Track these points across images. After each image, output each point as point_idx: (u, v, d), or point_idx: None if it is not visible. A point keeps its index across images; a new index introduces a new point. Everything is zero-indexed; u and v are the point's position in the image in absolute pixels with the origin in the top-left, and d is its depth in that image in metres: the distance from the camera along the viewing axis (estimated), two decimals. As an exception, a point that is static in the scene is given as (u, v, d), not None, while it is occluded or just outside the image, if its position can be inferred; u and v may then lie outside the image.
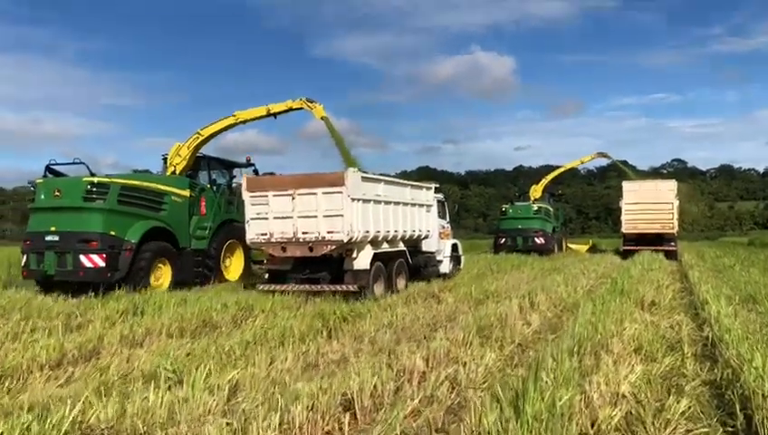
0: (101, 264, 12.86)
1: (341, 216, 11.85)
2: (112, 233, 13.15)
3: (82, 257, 12.89)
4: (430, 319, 9.23)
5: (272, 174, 15.70)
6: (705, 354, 7.12)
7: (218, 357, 6.71)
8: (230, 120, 16.41)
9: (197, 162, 16.64)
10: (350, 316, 9.14)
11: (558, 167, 40.76)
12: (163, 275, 14.27)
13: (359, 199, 12.11)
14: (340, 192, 11.86)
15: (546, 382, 4.89)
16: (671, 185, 28.35)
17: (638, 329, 8.05)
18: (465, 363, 6.52)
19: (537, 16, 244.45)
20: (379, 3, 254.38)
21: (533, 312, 10.11)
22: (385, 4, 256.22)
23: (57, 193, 13.38)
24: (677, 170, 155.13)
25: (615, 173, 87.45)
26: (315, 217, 12.09)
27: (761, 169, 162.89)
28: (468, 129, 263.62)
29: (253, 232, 12.69)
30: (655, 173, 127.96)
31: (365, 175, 12.76)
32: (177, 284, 14.13)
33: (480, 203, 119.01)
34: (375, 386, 5.50)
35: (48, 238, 13.15)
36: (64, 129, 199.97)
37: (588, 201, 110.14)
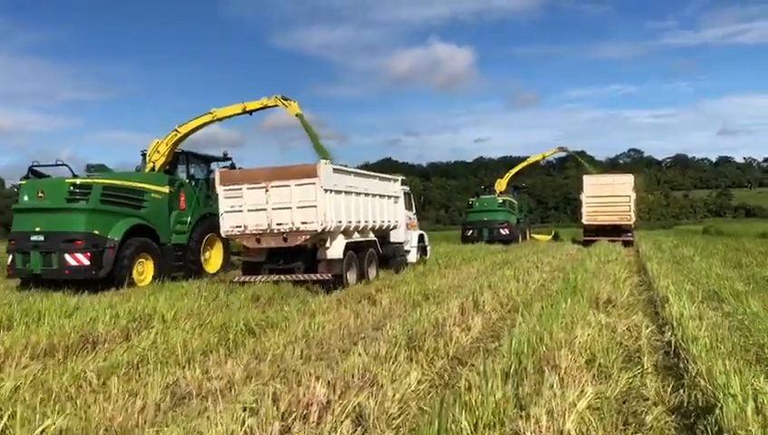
0: (86, 262, 13.23)
1: (315, 206, 12.14)
2: (96, 232, 13.49)
3: (67, 256, 13.25)
4: (356, 327, 7.95)
5: (233, 167, 16.35)
6: (669, 367, 6.03)
7: (65, 390, 5.28)
8: (207, 118, 16.69)
9: (176, 157, 16.90)
10: (261, 326, 7.78)
11: (518, 158, 42.27)
12: (146, 270, 14.61)
13: (331, 190, 12.45)
14: (314, 183, 12.14)
15: (463, 427, 3.64)
16: (628, 179, 29.60)
17: (592, 334, 6.92)
18: (382, 386, 5.28)
19: (496, 9, 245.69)
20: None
21: (477, 314, 8.93)
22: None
23: (41, 194, 13.74)
24: (634, 160, 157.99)
25: (573, 164, 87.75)
26: (289, 208, 12.33)
27: (713, 159, 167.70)
28: (429, 121, 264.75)
29: (227, 224, 12.89)
30: (612, 163, 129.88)
31: (336, 167, 13.04)
32: (160, 277, 14.39)
33: (441, 195, 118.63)
34: (251, 430, 4.20)
35: (33, 238, 13.52)
36: (18, 122, 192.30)
37: (547, 191, 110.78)
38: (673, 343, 6.63)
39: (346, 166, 14.13)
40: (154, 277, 14.47)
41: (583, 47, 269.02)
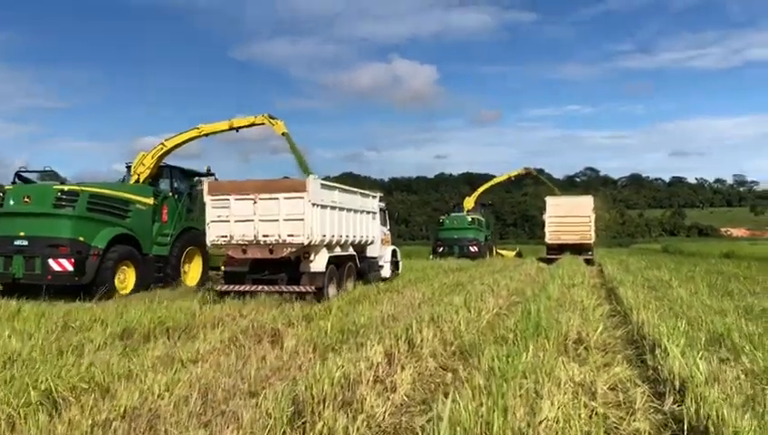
0: (70, 268, 13.25)
1: (302, 220, 12.31)
2: (81, 239, 13.50)
3: (51, 262, 13.25)
4: (225, 391, 5.46)
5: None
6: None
7: None
8: (194, 133, 17.00)
9: (160, 171, 17.01)
10: (77, 390, 5.25)
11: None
12: (127, 279, 14.67)
13: (318, 205, 12.63)
14: (302, 197, 12.33)
15: None
16: (588, 200, 31.27)
17: (564, 405, 4.70)
18: None
19: (457, 28, 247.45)
20: (303, 10, 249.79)
21: (409, 361, 6.62)
22: (309, 12, 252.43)
23: (27, 199, 13.74)
24: (591, 179, 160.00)
25: (531, 181, 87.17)
26: (276, 220, 12.47)
27: (667, 179, 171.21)
28: (391, 136, 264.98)
29: (213, 234, 12.93)
30: (570, 181, 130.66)
31: (324, 183, 13.42)
32: (141, 287, 14.63)
33: (402, 210, 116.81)
34: None
35: (17, 243, 13.43)
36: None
37: (506, 208, 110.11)
38: (685, 421, 4.44)
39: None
40: (135, 287, 14.62)
41: (543, 68, 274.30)
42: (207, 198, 13.05)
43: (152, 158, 16.56)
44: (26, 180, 14.82)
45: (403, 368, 6.34)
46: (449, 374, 6.38)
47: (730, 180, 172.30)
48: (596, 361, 6.83)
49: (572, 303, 10.85)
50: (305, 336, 7.71)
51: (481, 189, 39.85)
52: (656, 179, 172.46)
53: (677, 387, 5.25)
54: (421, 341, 7.47)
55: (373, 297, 12.03)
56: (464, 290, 13.02)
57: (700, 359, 5.79)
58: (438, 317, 8.96)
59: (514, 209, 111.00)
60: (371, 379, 5.89)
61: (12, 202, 13.81)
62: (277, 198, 12.49)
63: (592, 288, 15.21)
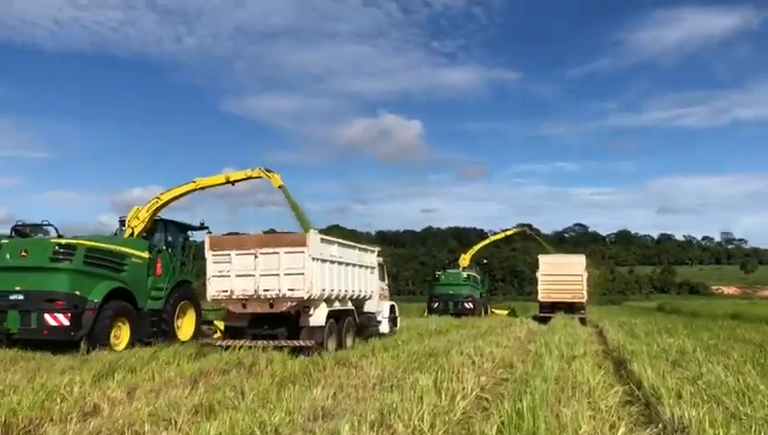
0: (66, 323, 13.12)
1: (302, 274, 12.43)
2: (77, 293, 13.45)
3: (47, 316, 13.13)
4: None
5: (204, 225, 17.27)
6: None
7: None
8: (190, 186, 17.01)
9: (154, 224, 16.98)
10: None
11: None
12: (122, 334, 14.46)
13: (318, 259, 12.73)
14: (302, 252, 12.49)
15: None
16: (581, 259, 31.26)
17: None
18: None
19: (445, 86, 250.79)
20: (293, 66, 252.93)
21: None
22: (298, 68, 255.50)
23: (24, 253, 13.68)
24: (579, 235, 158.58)
25: (520, 237, 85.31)
26: (277, 274, 12.58)
27: (655, 236, 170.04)
28: (378, 190, 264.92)
29: (213, 289, 13.04)
30: (558, 238, 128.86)
31: (323, 237, 13.49)
32: (135, 342, 14.32)
33: (389, 264, 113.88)
34: None
35: (12, 297, 13.36)
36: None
37: (494, 263, 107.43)
38: None
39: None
40: (129, 342, 14.37)
41: (530, 125, 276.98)
42: (209, 254, 13.12)
43: (147, 211, 16.57)
44: (23, 234, 14.90)
45: None
46: None
47: (717, 238, 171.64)
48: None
49: (576, 384, 8.30)
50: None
51: (477, 247, 39.54)
52: (644, 236, 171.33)
53: None
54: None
55: (315, 374, 9.19)
56: (437, 363, 10.35)
57: None
58: (392, 411, 6.35)
59: (503, 265, 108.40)
60: None
61: (8, 256, 13.69)
62: (278, 253, 12.57)
63: (595, 357, 12.68)
